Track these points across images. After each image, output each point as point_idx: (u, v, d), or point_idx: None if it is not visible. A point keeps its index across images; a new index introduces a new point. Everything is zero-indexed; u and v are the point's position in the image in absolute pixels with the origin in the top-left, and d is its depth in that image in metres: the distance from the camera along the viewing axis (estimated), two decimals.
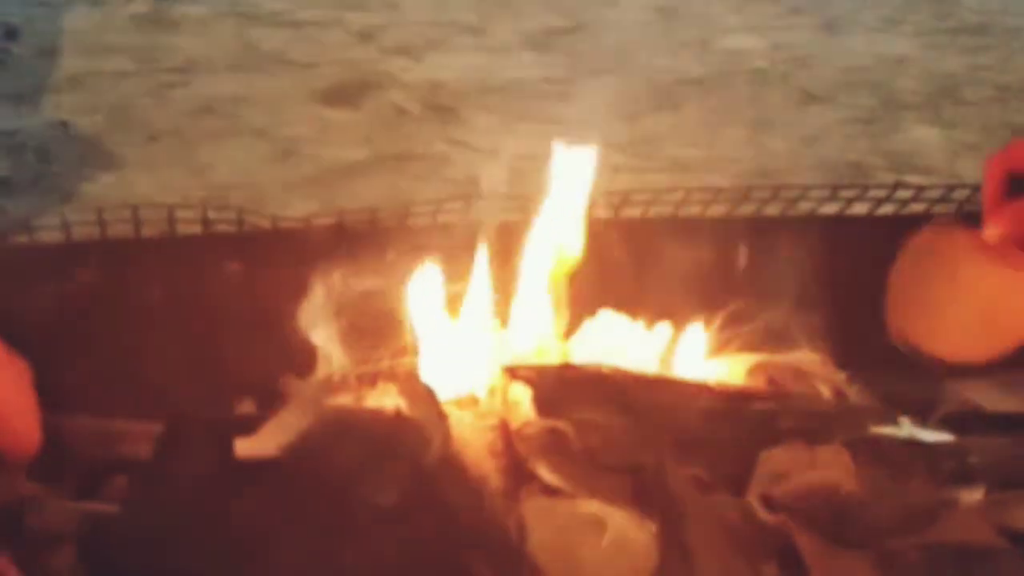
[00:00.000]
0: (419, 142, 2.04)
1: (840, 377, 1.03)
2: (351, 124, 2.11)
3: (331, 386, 0.99)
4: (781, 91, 2.12)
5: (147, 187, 1.85)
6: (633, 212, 1.29)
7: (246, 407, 1.09)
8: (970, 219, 1.30)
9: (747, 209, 1.30)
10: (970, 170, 1.76)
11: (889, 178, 1.76)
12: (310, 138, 2.01)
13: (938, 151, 1.89)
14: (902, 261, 1.01)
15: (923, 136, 1.94)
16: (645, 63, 2.28)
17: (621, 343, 1.06)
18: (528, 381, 1.00)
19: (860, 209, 1.34)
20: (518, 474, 0.93)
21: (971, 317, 0.97)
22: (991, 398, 1.07)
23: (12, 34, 2.46)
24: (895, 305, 1.00)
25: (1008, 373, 1.10)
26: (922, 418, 1.02)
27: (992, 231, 0.97)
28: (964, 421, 1.03)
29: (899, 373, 1.08)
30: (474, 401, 1.00)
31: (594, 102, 2.19)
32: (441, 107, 2.20)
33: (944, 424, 1.02)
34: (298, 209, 1.54)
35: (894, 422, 0.98)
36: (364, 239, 1.16)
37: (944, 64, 2.20)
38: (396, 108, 2.20)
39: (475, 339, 1.03)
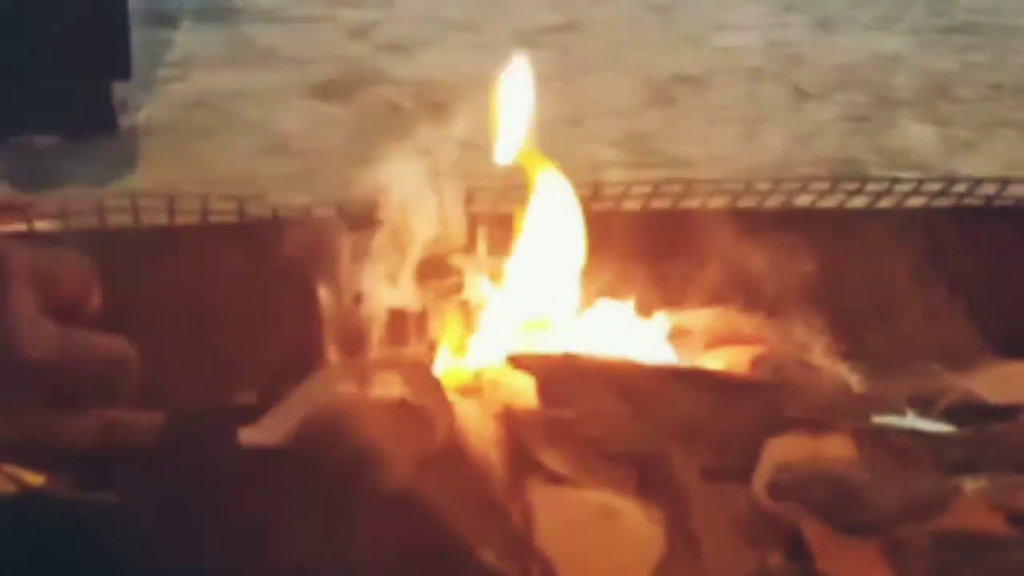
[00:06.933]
0: (411, 137, 2.03)
1: (843, 368, 1.03)
2: (344, 119, 2.11)
3: (335, 374, 0.98)
4: (776, 89, 2.12)
5: (143, 180, 1.84)
6: (632, 205, 1.29)
7: (247, 397, 1.08)
8: (968, 214, 1.30)
9: (747, 202, 1.30)
10: (965, 167, 1.77)
11: (885, 175, 1.75)
12: (303, 132, 2.00)
13: (933, 148, 1.88)
14: None
15: (918, 133, 1.94)
16: (639, 60, 2.28)
17: (623, 332, 1.06)
18: (531, 370, 0.99)
19: (859, 203, 1.33)
20: (523, 463, 0.93)
21: None
22: (993, 389, 1.07)
23: None
24: None
25: (1011, 364, 1.10)
26: (925, 409, 1.02)
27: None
28: (967, 413, 1.03)
29: (901, 365, 1.08)
30: (477, 390, 0.99)
31: (588, 99, 2.19)
32: (433, 103, 2.20)
33: (947, 415, 1.02)
34: (293, 202, 1.53)
35: (898, 412, 0.98)
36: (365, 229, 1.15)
37: (938, 62, 2.20)
38: (388, 103, 2.19)
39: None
